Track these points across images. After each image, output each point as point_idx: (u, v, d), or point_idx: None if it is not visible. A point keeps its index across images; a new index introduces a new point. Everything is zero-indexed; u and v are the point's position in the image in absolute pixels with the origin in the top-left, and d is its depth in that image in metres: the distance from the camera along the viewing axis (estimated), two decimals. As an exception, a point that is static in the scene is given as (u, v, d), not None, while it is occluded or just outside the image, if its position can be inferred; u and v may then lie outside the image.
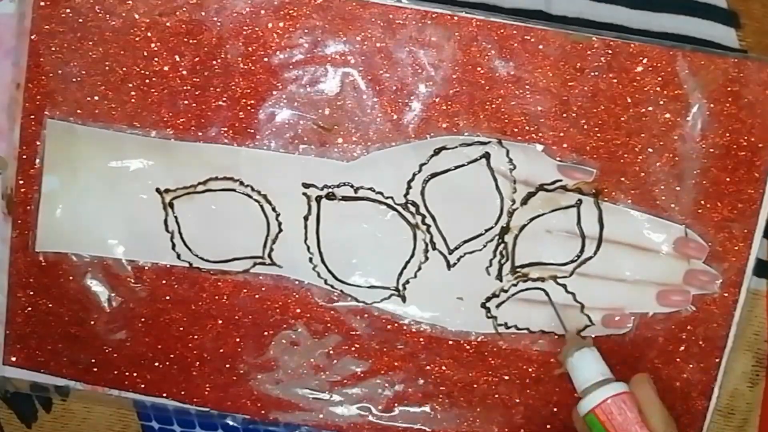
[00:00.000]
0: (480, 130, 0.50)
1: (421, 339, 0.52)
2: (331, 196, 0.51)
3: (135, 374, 0.54)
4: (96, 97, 0.51)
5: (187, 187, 0.51)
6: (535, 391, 0.53)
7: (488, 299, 0.52)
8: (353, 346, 0.53)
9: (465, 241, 0.51)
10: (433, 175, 0.50)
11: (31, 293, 0.53)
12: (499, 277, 0.52)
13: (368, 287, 0.52)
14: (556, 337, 0.52)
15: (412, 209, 0.51)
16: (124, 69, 0.50)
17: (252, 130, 0.51)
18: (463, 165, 0.50)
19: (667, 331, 0.52)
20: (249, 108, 0.50)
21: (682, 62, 0.49)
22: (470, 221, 0.51)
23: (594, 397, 0.46)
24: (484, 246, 0.51)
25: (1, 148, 0.52)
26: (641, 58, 0.49)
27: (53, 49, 0.50)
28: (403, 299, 0.52)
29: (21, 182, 0.52)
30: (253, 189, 0.51)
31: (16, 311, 0.53)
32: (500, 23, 0.49)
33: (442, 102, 0.50)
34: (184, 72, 0.50)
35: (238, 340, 0.53)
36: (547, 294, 0.51)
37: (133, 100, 0.51)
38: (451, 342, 0.52)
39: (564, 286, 0.51)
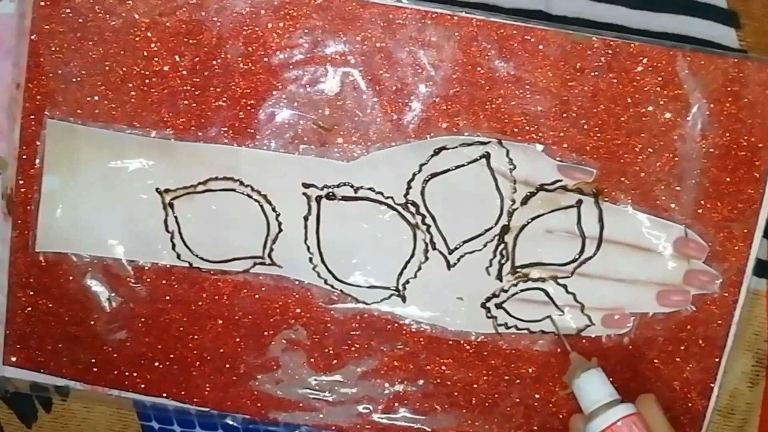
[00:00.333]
0: (480, 130, 0.50)
1: (421, 339, 0.52)
2: (331, 196, 0.51)
3: (135, 374, 0.54)
4: (96, 97, 0.51)
5: (187, 187, 0.51)
6: (535, 391, 0.53)
7: (488, 299, 0.52)
8: (353, 346, 0.53)
9: (465, 241, 0.51)
10: (433, 175, 0.50)
11: (31, 293, 0.53)
12: (499, 277, 0.52)
13: (368, 287, 0.52)
14: (556, 337, 0.52)
15: (412, 209, 0.51)
16: (124, 69, 0.50)
17: (252, 130, 0.51)
18: (463, 165, 0.50)
19: (667, 331, 0.52)
20: (249, 108, 0.50)
21: (682, 62, 0.49)
22: (470, 221, 0.51)
23: (604, 420, 0.46)
24: (484, 246, 0.51)
25: (1, 148, 0.52)
26: (641, 58, 0.49)
27: (53, 49, 0.50)
28: (403, 299, 0.52)
29: (21, 182, 0.52)
30: (253, 189, 0.51)
31: (16, 311, 0.53)
32: (500, 23, 0.49)
33: (442, 102, 0.50)
34: (184, 72, 0.50)
35: (238, 340, 0.53)
36: (547, 294, 0.51)
37: (133, 100, 0.51)
38: (451, 342, 0.52)
39: (564, 286, 0.51)
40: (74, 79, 0.50)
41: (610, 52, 0.49)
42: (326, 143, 0.51)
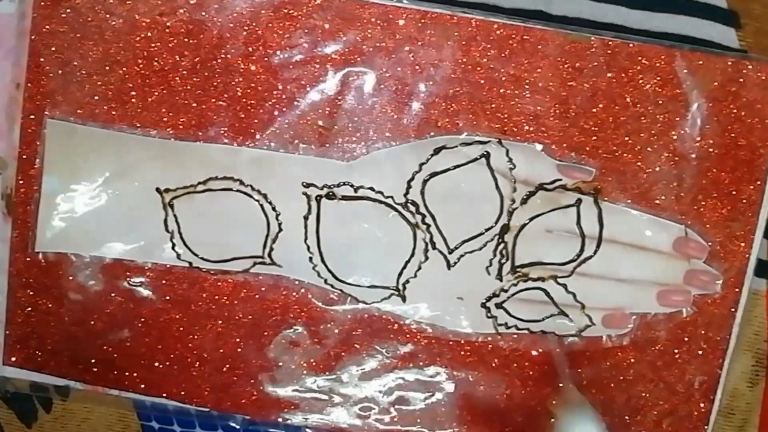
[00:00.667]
0: (480, 130, 0.50)
1: (422, 339, 0.52)
2: (331, 196, 0.51)
3: (135, 374, 0.54)
4: (96, 97, 0.51)
5: (187, 186, 0.51)
6: (535, 391, 0.53)
7: (488, 299, 0.52)
8: (353, 346, 0.53)
9: (465, 241, 0.51)
10: (433, 175, 0.50)
11: (31, 293, 0.53)
12: (499, 277, 0.51)
13: (368, 287, 0.52)
14: (556, 336, 0.52)
15: (412, 209, 0.51)
16: (125, 69, 0.50)
17: (252, 130, 0.51)
18: (462, 164, 0.50)
19: (668, 332, 0.52)
20: (249, 108, 0.51)
21: (681, 62, 0.49)
22: (470, 221, 0.51)
23: None
24: (484, 245, 0.51)
25: (1, 148, 0.52)
26: (640, 58, 0.49)
27: (53, 49, 0.50)
28: (403, 299, 0.52)
29: (21, 182, 0.52)
30: (253, 189, 0.51)
31: (16, 311, 0.53)
32: (500, 23, 0.49)
33: (442, 102, 0.50)
34: (184, 72, 0.50)
35: (238, 340, 0.53)
36: (547, 294, 0.51)
37: (133, 100, 0.51)
38: (451, 342, 0.52)
39: (564, 285, 0.51)
40: (74, 79, 0.51)
41: (609, 52, 0.49)
42: (326, 143, 0.51)
